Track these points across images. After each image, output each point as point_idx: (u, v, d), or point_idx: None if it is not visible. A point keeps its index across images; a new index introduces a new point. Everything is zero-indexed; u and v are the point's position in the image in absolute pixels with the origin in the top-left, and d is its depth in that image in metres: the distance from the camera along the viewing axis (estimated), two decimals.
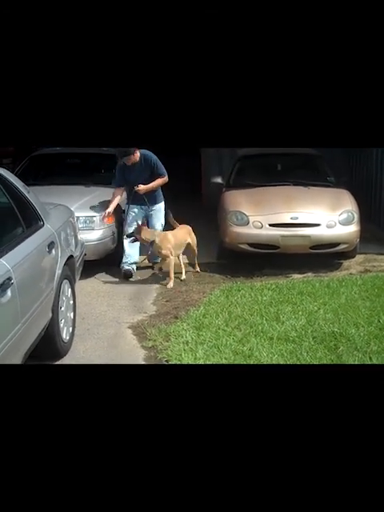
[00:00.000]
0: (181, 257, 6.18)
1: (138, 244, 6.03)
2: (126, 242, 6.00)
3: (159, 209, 6.25)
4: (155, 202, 6.20)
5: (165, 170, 6.08)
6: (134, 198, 6.12)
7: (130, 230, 5.99)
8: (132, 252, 6.06)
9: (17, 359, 3.04)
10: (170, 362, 3.88)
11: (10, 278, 2.87)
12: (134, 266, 6.13)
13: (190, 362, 3.80)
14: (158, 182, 6.06)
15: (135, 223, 5.96)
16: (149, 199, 6.11)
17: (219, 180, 7.33)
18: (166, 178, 6.09)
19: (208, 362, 3.79)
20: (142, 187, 5.97)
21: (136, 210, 6.16)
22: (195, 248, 6.21)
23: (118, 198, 6.11)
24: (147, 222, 6.06)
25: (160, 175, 6.06)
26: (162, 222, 6.25)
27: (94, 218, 6.01)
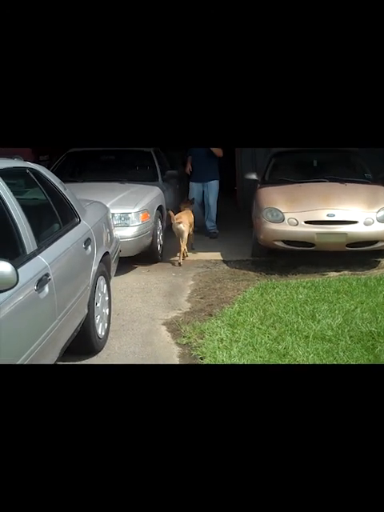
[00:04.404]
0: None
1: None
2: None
3: (213, 185, 7.76)
4: (211, 179, 7.72)
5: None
6: (194, 177, 7.79)
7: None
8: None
9: (53, 354, 3.07)
10: (204, 359, 3.87)
11: (47, 274, 2.90)
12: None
13: (225, 360, 3.79)
14: (219, 150, 7.57)
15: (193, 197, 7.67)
16: (205, 175, 7.67)
17: (254, 176, 7.28)
18: (221, 151, 7.61)
19: (243, 360, 3.77)
20: (214, 148, 7.49)
21: (194, 186, 7.80)
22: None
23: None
24: (203, 195, 7.82)
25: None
26: (216, 196, 7.80)
27: (129, 215, 6.03)
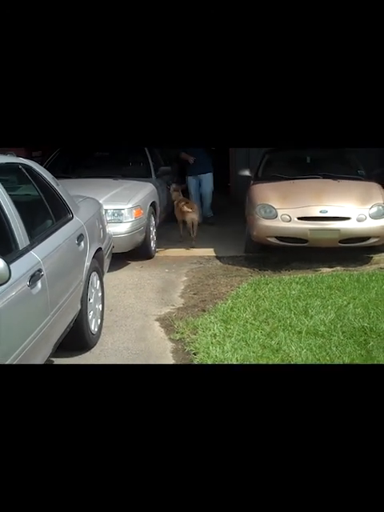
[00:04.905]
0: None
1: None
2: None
3: (208, 176, 8.31)
4: (205, 171, 8.26)
5: None
6: (191, 171, 8.31)
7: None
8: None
9: (46, 350, 3.07)
10: (197, 355, 3.88)
11: (40, 270, 2.90)
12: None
13: (218, 355, 3.80)
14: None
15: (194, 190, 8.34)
16: (201, 169, 8.22)
17: (247, 173, 7.29)
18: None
19: (236, 355, 3.78)
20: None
21: (193, 179, 8.32)
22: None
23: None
24: (200, 187, 8.35)
25: None
26: (211, 187, 8.34)
27: (123, 211, 6.03)
